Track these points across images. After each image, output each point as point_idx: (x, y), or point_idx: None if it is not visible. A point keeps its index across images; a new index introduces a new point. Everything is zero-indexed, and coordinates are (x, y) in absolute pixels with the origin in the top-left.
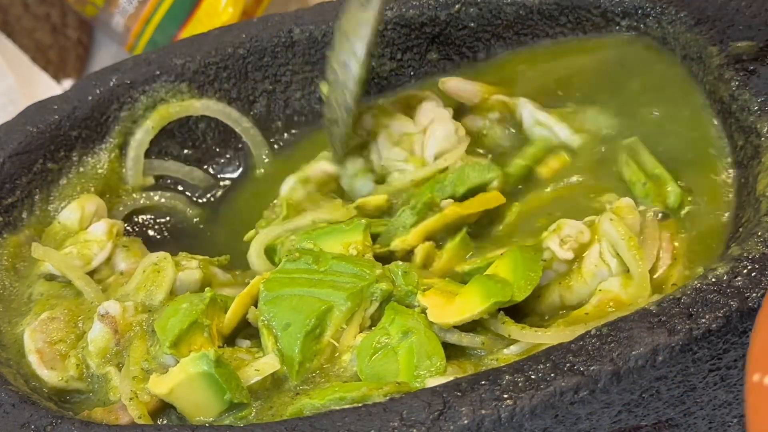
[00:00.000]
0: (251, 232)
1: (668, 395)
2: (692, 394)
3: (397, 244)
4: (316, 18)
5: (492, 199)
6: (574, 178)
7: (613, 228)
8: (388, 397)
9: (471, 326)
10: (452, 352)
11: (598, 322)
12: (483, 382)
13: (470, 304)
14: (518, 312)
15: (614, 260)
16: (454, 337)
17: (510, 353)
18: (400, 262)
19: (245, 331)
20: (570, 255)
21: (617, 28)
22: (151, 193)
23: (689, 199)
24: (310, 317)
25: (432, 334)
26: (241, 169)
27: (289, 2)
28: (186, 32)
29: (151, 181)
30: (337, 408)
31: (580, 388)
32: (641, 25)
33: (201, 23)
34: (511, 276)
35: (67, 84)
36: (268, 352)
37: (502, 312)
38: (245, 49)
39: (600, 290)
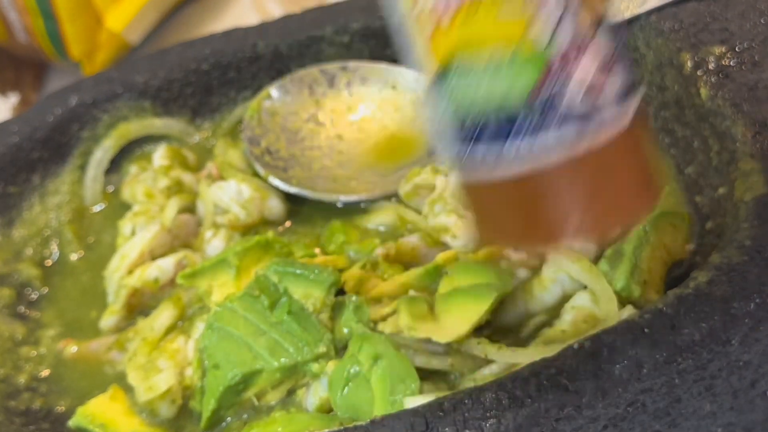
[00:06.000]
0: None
1: (653, 408)
2: (677, 405)
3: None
4: (281, 31)
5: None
6: None
7: (562, 258)
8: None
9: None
10: (424, 374)
11: (575, 339)
12: (466, 401)
13: (467, 311)
14: (482, 329)
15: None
16: (422, 360)
17: (489, 373)
18: (354, 297)
19: None
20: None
21: None
22: None
23: None
24: (237, 373)
25: (402, 356)
26: None
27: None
28: None
29: None
30: None
31: (565, 404)
32: None
33: None
34: (483, 278)
35: (14, 98)
36: (195, 379)
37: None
38: (209, 64)
39: (573, 307)
